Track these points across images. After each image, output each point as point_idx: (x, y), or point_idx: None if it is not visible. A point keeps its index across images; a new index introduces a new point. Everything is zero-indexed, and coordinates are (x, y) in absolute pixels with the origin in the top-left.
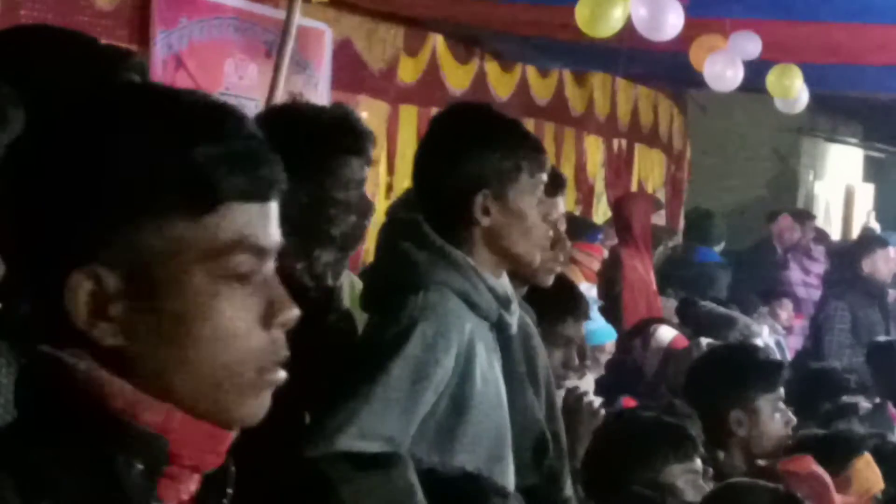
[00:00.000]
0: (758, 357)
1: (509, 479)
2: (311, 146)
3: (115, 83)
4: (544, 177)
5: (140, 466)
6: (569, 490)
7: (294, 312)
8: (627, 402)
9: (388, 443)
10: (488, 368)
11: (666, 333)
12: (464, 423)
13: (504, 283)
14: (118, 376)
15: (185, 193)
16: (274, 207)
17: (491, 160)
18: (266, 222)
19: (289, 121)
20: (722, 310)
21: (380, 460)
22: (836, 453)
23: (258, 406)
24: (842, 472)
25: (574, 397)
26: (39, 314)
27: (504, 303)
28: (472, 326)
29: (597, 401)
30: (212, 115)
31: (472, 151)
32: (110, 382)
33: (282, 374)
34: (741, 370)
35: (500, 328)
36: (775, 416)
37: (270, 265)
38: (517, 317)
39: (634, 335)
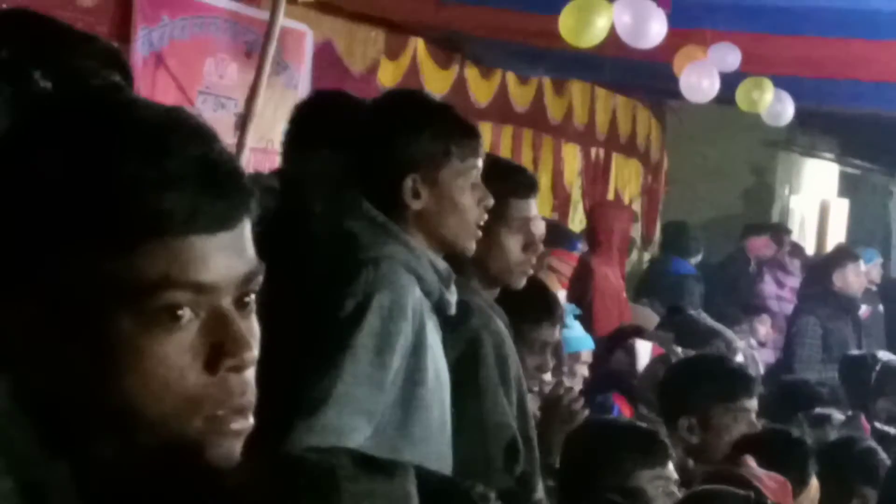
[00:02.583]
0: (713, 365)
1: (449, 455)
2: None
3: (75, 93)
4: (478, 162)
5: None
6: (540, 493)
7: (249, 354)
8: (617, 397)
9: (366, 416)
10: (434, 343)
11: (645, 348)
12: (418, 393)
13: (443, 262)
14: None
15: (102, 226)
16: (227, 237)
17: (420, 143)
18: (212, 254)
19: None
20: (709, 322)
21: (385, 466)
22: (789, 457)
23: (218, 456)
24: (806, 481)
25: (556, 395)
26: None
27: (445, 280)
28: (420, 298)
29: (578, 402)
30: (153, 132)
31: (401, 135)
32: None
33: (244, 424)
34: (692, 377)
35: (439, 308)
36: (738, 427)
37: (224, 300)
38: (455, 297)
39: (613, 344)
